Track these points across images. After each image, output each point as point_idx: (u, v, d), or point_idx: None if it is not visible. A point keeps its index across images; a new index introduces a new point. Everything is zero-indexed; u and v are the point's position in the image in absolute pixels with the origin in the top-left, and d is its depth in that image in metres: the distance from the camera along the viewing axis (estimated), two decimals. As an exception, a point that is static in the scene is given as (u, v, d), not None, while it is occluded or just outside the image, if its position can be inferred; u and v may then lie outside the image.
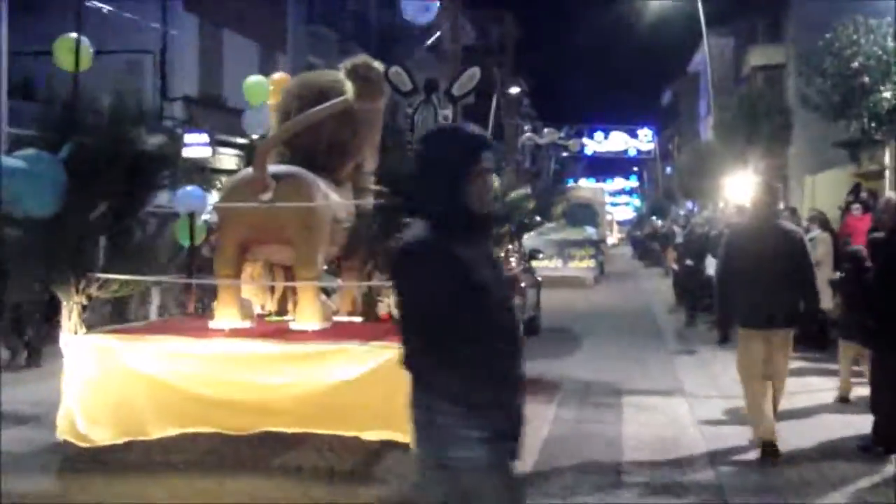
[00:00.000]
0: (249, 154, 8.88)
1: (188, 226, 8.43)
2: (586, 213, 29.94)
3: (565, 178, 46.40)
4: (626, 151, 57.85)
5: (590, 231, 27.82)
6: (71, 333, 6.84)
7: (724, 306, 7.34)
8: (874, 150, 16.63)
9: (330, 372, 6.44)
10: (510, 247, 12.78)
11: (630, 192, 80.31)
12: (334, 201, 7.69)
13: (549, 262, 23.48)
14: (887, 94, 14.40)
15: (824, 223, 12.44)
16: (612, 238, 52.47)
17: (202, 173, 9.48)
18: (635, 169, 76.51)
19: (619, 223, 65.71)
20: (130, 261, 7.27)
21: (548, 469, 6.54)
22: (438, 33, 31.26)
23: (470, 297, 3.08)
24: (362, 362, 6.38)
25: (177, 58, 20.84)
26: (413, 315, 3.14)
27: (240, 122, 10.10)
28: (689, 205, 37.97)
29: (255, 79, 9.89)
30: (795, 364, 8.46)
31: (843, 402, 8.63)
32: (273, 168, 7.36)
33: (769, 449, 6.73)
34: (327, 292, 8.45)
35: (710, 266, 13.37)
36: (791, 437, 7.19)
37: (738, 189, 18.41)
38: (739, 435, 7.39)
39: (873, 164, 17.06)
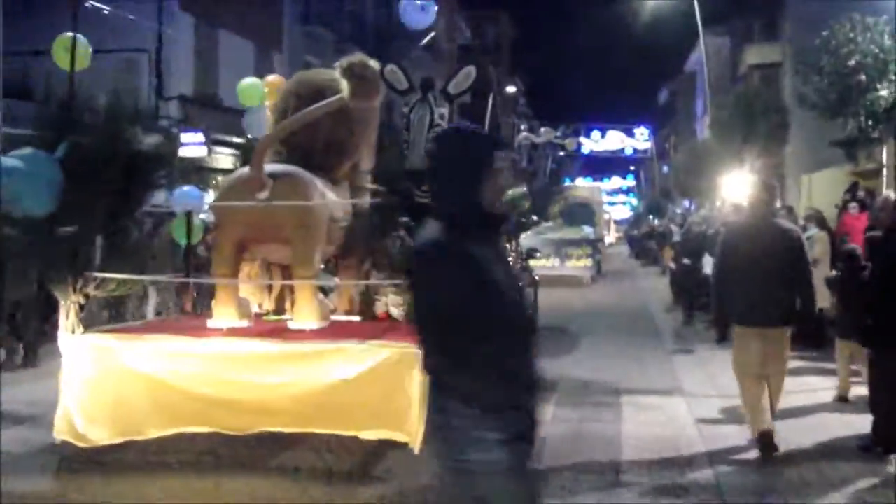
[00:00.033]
0: (246, 153, 8.87)
1: (185, 225, 8.43)
2: (583, 213, 29.99)
3: (562, 178, 46.54)
4: (622, 150, 57.89)
5: (587, 230, 27.83)
6: (68, 333, 6.81)
7: (722, 305, 7.29)
8: (871, 149, 16.59)
9: (328, 371, 6.42)
10: (507, 246, 12.77)
11: (627, 192, 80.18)
12: (331, 200, 7.67)
13: (546, 262, 23.53)
14: (884, 93, 14.43)
15: (821, 222, 12.44)
16: (610, 237, 52.48)
17: (199, 173, 9.48)
18: (632, 168, 76.42)
19: (616, 222, 65.67)
20: (127, 260, 7.26)
21: (546, 469, 6.50)
22: (434, 33, 31.21)
23: (486, 297, 3.05)
24: (360, 361, 6.36)
25: (173, 57, 20.85)
26: (430, 316, 3.11)
27: (235, 122, 10.09)
28: (686, 204, 37.96)
29: (249, 81, 9.86)
30: (793, 363, 8.43)
31: (842, 402, 8.61)
32: (270, 167, 7.34)
33: (766, 440, 6.70)
34: (325, 291, 8.43)
35: (708, 265, 13.39)
36: (790, 436, 7.17)
37: (735, 188, 18.37)
38: (738, 434, 7.38)
39: (870, 163, 17.02)
